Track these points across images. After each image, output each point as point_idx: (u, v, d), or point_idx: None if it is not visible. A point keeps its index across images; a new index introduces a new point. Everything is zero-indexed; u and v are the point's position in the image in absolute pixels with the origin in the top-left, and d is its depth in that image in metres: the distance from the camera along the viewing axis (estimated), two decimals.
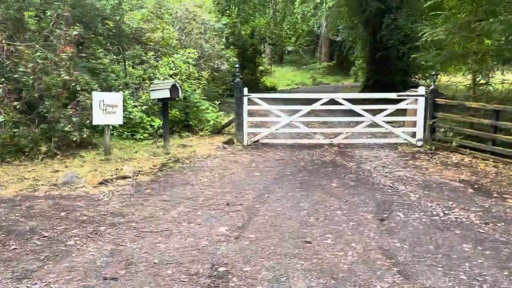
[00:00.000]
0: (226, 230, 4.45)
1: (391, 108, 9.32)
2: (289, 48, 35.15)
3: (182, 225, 4.59)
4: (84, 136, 7.56)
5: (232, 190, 6.00)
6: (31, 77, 6.95)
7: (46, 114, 7.18)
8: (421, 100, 9.12)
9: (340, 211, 5.10)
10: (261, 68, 25.33)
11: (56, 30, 7.63)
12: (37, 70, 7.05)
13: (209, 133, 10.10)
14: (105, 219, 4.67)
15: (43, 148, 7.15)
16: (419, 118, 9.15)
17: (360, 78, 26.47)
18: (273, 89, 24.39)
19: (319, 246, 4.06)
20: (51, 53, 7.44)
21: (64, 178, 6.06)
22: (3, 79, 7.05)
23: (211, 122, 10.19)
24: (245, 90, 9.36)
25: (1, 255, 3.64)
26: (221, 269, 3.55)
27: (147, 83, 10.16)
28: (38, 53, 7.12)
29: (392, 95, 9.69)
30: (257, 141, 9.48)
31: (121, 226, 4.50)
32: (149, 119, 9.52)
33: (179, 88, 7.93)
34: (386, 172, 7.02)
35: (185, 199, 5.55)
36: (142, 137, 9.15)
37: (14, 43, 7.37)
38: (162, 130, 9.40)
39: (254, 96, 9.56)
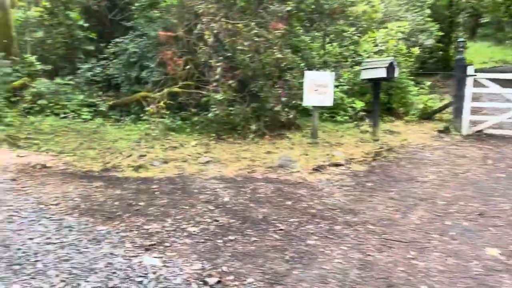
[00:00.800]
0: (499, 253, 3.40)
1: None
2: (485, 20, 29.90)
3: (433, 237, 3.71)
4: (291, 116, 7.29)
5: (476, 194, 4.82)
6: (247, 56, 6.91)
7: (258, 93, 7.11)
8: None
9: None
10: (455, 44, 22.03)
11: (269, 6, 7.44)
12: (252, 48, 6.97)
13: (415, 118, 8.86)
14: (337, 216, 4.13)
15: (253, 127, 7.13)
16: None
17: None
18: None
19: None
20: (264, 30, 7.30)
21: (279, 161, 5.82)
22: (221, 57, 7.21)
23: (420, 106, 8.90)
24: (470, 69, 7.76)
25: (244, 247, 3.39)
26: None
27: (347, 61, 9.45)
28: (254, 31, 7.02)
29: None
30: (480, 131, 7.85)
31: (357, 227, 3.88)
32: (350, 100, 8.82)
33: (395, 67, 6.94)
34: None
35: (418, 199, 4.65)
36: (342, 119, 8.53)
37: (229, 21, 7.46)
38: (362, 113, 8.65)
39: (482, 76, 7.86)
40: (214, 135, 7.10)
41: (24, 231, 3.38)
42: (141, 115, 7.87)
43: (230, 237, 3.56)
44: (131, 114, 8.11)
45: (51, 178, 4.90)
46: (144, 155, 5.98)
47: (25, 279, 2.66)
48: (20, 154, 5.77)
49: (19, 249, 3.05)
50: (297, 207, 4.36)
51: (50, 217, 3.69)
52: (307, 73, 6.83)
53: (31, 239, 3.23)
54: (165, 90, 7.61)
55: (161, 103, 7.32)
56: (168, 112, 7.50)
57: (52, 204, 4.03)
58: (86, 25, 9.21)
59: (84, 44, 9.24)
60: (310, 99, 6.82)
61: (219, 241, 3.49)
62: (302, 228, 3.83)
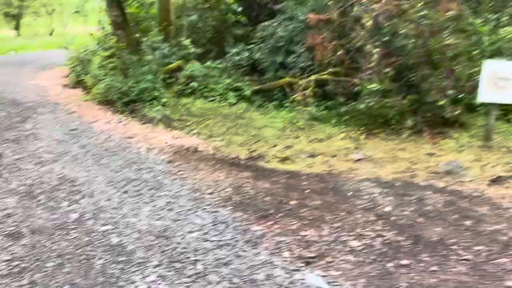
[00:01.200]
0: None
1: None
2: None
3: None
4: (457, 113, 6.22)
5: None
6: (411, 41, 6.04)
7: (419, 84, 6.21)
8: None
9: None
10: None
11: None
12: (417, 32, 6.07)
13: None
14: None
15: (409, 122, 6.28)
16: None
17: None
18: None
19: None
20: (432, 11, 6.29)
21: (446, 166, 4.94)
22: (377, 43, 6.47)
23: None
24: None
25: (423, 278, 2.78)
26: None
27: None
28: (423, 12, 6.08)
29: None
30: None
31: None
32: None
33: None
34: None
35: None
36: None
37: (394, 1, 6.60)
38: None
39: None
40: (362, 128, 6.46)
41: (182, 221, 3.31)
42: (284, 101, 7.63)
43: (402, 261, 2.97)
44: (274, 100, 7.93)
45: (203, 163, 4.90)
46: (290, 146, 5.68)
47: (187, 282, 2.50)
48: (174, 136, 5.98)
49: (179, 243, 2.95)
50: (480, 230, 3.54)
51: (205, 208, 3.59)
52: (488, 63, 5.67)
53: (190, 232, 3.13)
54: (312, 77, 7.19)
55: (308, 91, 6.93)
56: (313, 100, 7.09)
57: (206, 193, 3.95)
58: (239, 9, 9.26)
59: (234, 28, 9.33)
60: (488, 95, 5.67)
61: (389, 264, 2.93)
62: (495, 261, 3.04)
